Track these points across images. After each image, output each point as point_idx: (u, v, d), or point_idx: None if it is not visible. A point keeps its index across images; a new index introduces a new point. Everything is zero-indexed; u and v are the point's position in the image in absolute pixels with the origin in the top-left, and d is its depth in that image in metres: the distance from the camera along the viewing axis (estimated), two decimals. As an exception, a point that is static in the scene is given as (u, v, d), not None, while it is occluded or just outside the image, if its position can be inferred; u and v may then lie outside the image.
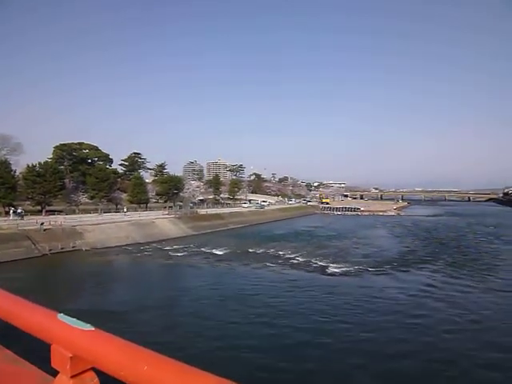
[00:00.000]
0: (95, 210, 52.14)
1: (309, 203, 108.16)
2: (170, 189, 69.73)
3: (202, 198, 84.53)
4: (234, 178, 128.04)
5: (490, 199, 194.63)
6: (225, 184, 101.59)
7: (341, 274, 26.37)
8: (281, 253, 34.05)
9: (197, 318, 16.78)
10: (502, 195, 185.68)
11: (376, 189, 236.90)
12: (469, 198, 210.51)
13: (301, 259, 31.26)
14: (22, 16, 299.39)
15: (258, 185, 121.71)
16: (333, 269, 27.77)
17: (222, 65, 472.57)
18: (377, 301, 20.14)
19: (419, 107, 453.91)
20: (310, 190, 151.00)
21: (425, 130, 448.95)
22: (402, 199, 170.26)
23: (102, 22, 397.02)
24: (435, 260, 32.72)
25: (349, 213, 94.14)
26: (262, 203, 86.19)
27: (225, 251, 34.80)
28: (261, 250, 35.38)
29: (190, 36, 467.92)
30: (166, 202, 69.51)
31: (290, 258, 31.67)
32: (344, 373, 12.08)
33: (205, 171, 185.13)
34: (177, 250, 35.22)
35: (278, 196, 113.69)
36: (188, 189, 72.32)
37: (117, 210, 57.13)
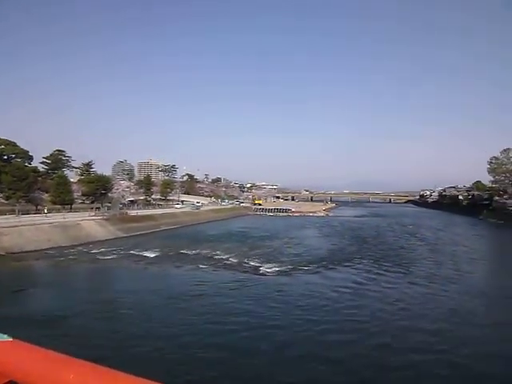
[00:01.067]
0: (12, 212, 47.83)
1: (242, 204, 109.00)
2: (98, 189, 66.23)
3: (132, 198, 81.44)
4: (167, 178, 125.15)
5: (408, 201, 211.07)
6: (156, 184, 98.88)
7: (273, 274, 26.90)
8: (214, 254, 33.88)
9: (120, 323, 16.12)
10: (418, 197, 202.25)
11: (307, 191, 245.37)
12: (390, 199, 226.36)
13: (234, 260, 31.37)
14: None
15: (190, 185, 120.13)
16: (265, 269, 28.23)
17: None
18: (307, 298, 20.91)
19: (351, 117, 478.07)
20: (243, 192, 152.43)
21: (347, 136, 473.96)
22: (331, 201, 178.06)
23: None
24: (361, 257, 35.01)
25: (280, 214, 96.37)
26: (197, 204, 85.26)
27: (156, 253, 33.78)
28: (194, 252, 34.90)
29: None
30: (92, 202, 65.88)
31: (224, 259, 31.63)
32: (272, 363, 12.35)
33: (136, 171, 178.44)
34: (105, 253, 33.48)
35: (211, 197, 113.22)
36: (117, 189, 69.31)
37: (37, 212, 52.97)
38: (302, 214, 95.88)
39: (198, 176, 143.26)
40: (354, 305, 19.95)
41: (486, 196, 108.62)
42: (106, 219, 48.03)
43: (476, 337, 15.69)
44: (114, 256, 32.52)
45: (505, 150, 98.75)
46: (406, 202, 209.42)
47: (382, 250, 40.65)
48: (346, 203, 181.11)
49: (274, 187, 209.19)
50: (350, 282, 25.02)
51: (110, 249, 35.51)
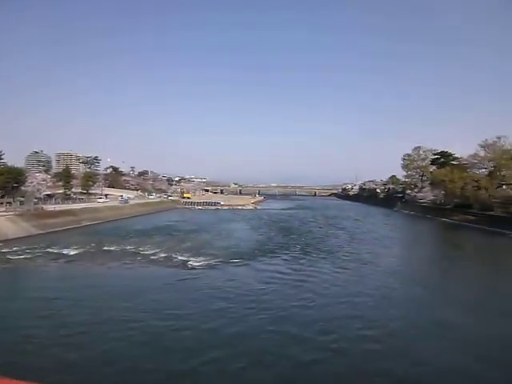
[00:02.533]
0: None
1: (170, 198, 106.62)
2: (9, 182, 60.31)
3: (49, 192, 75.41)
4: (88, 170, 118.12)
5: (332, 194, 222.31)
6: (77, 177, 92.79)
7: (202, 268, 26.77)
8: (141, 249, 32.74)
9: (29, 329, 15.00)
10: (341, 190, 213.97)
11: (236, 184, 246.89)
12: (315, 192, 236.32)
13: (162, 255, 30.61)
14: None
15: (115, 178, 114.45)
16: (194, 263, 27.99)
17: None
18: (235, 290, 21.19)
19: (269, 111, 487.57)
20: (171, 185, 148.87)
21: (279, 130, 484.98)
22: (259, 194, 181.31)
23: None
24: (288, 248, 36.71)
25: (209, 207, 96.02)
26: (127, 197, 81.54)
27: (77, 251, 31.72)
28: (119, 248, 33.42)
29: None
30: (2, 197, 59.95)
31: (151, 255, 30.72)
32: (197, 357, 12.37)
33: (53, 163, 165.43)
34: (17, 252, 30.61)
35: (137, 191, 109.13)
36: (32, 182, 63.48)
37: None
38: (231, 207, 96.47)
39: (124, 169, 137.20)
40: (279, 293, 20.75)
41: (399, 189, 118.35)
42: (18, 215, 44.06)
43: (392, 302, 19.19)
44: (29, 255, 29.86)
45: (416, 148, 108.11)
46: (329, 195, 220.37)
47: (307, 239, 43.44)
48: (273, 196, 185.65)
49: (203, 180, 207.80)
50: (276, 273, 25.93)
51: (23, 247, 32.57)
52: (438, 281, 26.95)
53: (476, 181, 74.46)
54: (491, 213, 63.92)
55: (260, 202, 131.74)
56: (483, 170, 78.73)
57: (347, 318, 17.32)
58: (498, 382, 11.83)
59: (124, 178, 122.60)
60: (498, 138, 74.33)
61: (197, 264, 27.66)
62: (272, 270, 26.80)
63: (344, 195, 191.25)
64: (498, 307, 19.73)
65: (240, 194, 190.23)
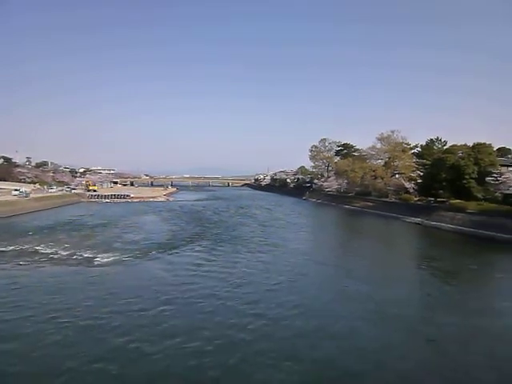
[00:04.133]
0: None
1: (74, 191, 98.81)
2: None
3: None
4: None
5: (245, 184, 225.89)
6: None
7: (109, 264, 25.40)
8: (39, 248, 29.88)
9: None
10: (253, 181, 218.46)
11: (147, 175, 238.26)
12: (229, 183, 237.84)
13: (64, 253, 28.32)
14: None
15: (7, 170, 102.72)
16: (101, 259, 26.46)
17: None
18: (148, 286, 20.52)
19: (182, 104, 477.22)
20: (75, 177, 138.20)
21: (193, 121, 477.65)
22: (172, 185, 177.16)
23: None
24: (201, 238, 36.71)
25: (119, 200, 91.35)
26: (24, 191, 73.41)
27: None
28: (12, 248, 30.08)
29: None
30: None
31: (51, 253, 28.17)
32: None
33: None
34: None
35: (35, 184, 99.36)
36: None
37: None
38: (142, 200, 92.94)
39: (18, 159, 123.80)
40: (194, 286, 20.61)
41: (308, 179, 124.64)
42: None
43: (303, 277, 20.88)
44: None
45: (322, 140, 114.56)
46: (242, 186, 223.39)
47: (220, 229, 44.15)
48: (187, 188, 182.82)
49: (112, 172, 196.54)
50: (189, 265, 25.71)
51: None
52: (338, 258, 31.45)
53: (374, 170, 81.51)
54: (387, 199, 70.69)
55: (173, 193, 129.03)
56: (380, 161, 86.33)
57: (270, 291, 20.26)
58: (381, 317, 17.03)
59: (19, 169, 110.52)
60: (392, 131, 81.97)
61: (104, 261, 26.18)
62: (186, 262, 26.54)
63: (257, 185, 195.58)
64: (384, 276, 25.55)
65: (152, 185, 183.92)
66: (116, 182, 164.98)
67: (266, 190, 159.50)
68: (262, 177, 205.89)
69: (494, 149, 59.35)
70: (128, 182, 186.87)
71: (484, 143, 55.50)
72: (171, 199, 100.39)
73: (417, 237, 45.13)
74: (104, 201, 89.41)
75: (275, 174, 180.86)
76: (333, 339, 14.37)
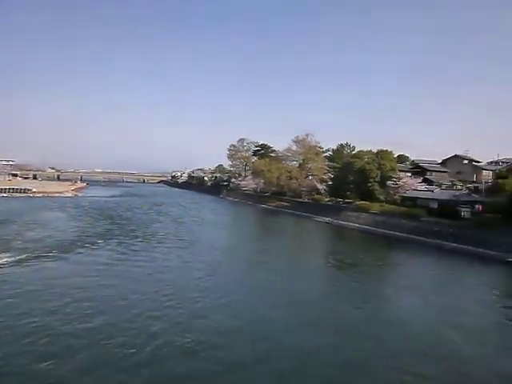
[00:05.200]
0: None
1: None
2: None
3: None
4: None
5: (161, 181, 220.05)
6: None
7: (7, 265, 22.95)
8: None
9: None
10: (170, 178, 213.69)
11: (53, 169, 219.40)
12: (144, 180, 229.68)
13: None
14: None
15: None
16: (-5, 260, 23.86)
17: None
18: (50, 289, 18.90)
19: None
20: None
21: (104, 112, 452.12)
22: (81, 180, 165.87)
23: None
24: (111, 236, 35.00)
25: (18, 194, 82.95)
26: None
27: None
28: None
29: None
30: None
31: None
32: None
33: None
34: None
35: None
36: None
37: None
38: (47, 195, 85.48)
39: None
40: (98, 287, 19.61)
41: (226, 178, 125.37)
42: None
43: (218, 270, 20.58)
44: None
45: (240, 140, 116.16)
46: (159, 182, 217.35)
47: (133, 226, 42.61)
48: (98, 183, 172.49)
49: (10, 163, 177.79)
50: (98, 264, 24.38)
51: None
52: (252, 253, 33.25)
53: (289, 171, 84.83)
54: (300, 199, 74.10)
55: (82, 188, 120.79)
56: (295, 163, 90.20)
57: (186, 287, 20.62)
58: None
59: None
60: (307, 135, 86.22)
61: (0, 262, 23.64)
62: (95, 262, 25.04)
63: (173, 183, 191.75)
64: (293, 268, 28.41)
65: (58, 179, 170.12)
66: (16, 175, 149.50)
67: (182, 188, 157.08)
68: (179, 174, 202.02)
69: (395, 156, 65.48)
70: (30, 175, 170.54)
71: (386, 150, 60.98)
72: (80, 195, 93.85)
73: (325, 235, 48.35)
74: None
75: (193, 172, 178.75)
76: (249, 325, 15.92)
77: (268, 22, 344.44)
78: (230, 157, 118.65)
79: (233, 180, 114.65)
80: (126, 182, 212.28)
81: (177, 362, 12.24)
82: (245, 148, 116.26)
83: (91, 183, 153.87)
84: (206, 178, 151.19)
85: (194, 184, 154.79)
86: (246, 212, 75.18)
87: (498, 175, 57.28)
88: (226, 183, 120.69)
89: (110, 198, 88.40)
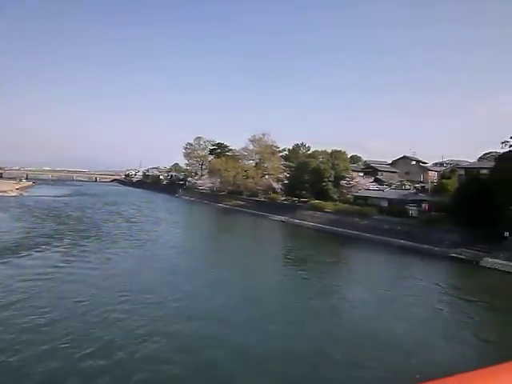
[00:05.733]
0: None
1: None
2: None
3: None
4: None
5: (115, 180, 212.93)
6: None
7: None
8: None
9: None
10: (124, 176, 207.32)
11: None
12: (96, 178, 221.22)
13: None
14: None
15: None
16: None
17: None
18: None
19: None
20: None
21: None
22: (27, 178, 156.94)
23: None
24: (60, 238, 33.46)
25: (-47, 193, 77.24)
26: None
27: None
28: None
29: None
30: None
31: None
32: None
33: None
34: None
35: None
36: None
37: None
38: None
39: None
40: (45, 291, 18.62)
41: (182, 177, 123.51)
42: None
43: (174, 267, 20.37)
44: None
45: (197, 138, 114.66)
46: (112, 181, 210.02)
47: (83, 227, 40.96)
48: (46, 181, 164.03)
49: None
50: (45, 267, 23.15)
51: None
52: (208, 251, 34.56)
53: (245, 170, 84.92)
54: (257, 198, 74.43)
55: (28, 187, 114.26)
56: (251, 162, 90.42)
57: (142, 285, 20.81)
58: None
59: None
60: (263, 134, 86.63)
61: None
62: (41, 265, 23.81)
63: (127, 182, 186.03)
64: (247, 264, 29.17)
65: (1, 178, 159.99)
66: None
67: (137, 187, 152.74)
68: (133, 172, 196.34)
69: (348, 156, 67.49)
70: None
71: (340, 150, 62.76)
72: (26, 194, 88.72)
73: (281, 233, 49.06)
74: None
75: (147, 170, 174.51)
76: (201, 320, 16.36)
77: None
78: (187, 155, 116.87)
79: (189, 179, 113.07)
80: (77, 180, 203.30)
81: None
82: (201, 147, 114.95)
83: (39, 182, 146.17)
84: (161, 177, 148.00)
85: (149, 183, 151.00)
86: (202, 211, 74.50)
87: (443, 176, 60.73)
88: (182, 182, 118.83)
89: (59, 197, 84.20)
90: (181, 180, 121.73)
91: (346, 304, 20.35)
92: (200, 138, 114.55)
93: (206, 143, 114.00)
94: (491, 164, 40.90)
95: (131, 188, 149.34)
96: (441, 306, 20.75)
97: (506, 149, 36.53)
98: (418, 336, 16.04)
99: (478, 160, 59.48)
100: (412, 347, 14.77)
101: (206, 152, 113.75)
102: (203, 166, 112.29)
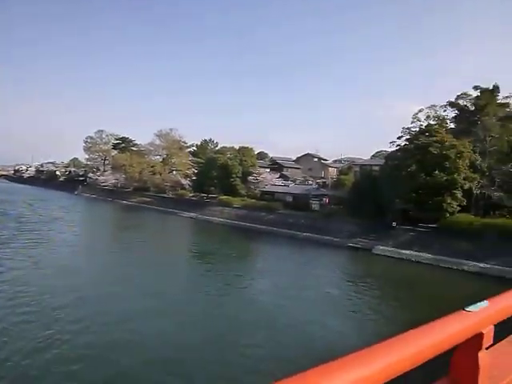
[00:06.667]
0: None
1: None
2: None
3: None
4: None
5: (1, 176, 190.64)
6: None
7: None
8: None
9: None
10: (13, 172, 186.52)
11: None
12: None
13: None
14: None
15: None
16: None
17: None
18: None
19: None
20: None
21: None
22: None
23: None
24: None
25: None
26: None
27: None
28: None
29: None
30: None
31: None
32: None
33: None
34: None
35: None
36: None
37: None
38: None
39: None
40: None
41: (82, 172, 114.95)
42: None
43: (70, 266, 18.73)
44: None
45: (99, 131, 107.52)
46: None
47: None
48: None
49: None
50: None
51: None
52: (108, 249, 32.89)
53: (152, 166, 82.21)
54: (164, 195, 72.60)
55: None
56: (158, 157, 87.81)
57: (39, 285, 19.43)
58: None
59: None
60: (171, 129, 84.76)
61: None
62: None
63: (17, 178, 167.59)
64: (151, 261, 28.18)
65: None
66: None
67: (29, 183, 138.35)
68: (24, 168, 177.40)
69: (256, 152, 69.25)
70: None
71: (247, 147, 64.05)
72: None
73: (189, 230, 48.74)
74: None
75: (41, 166, 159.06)
76: (109, 315, 15.94)
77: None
78: (87, 149, 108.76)
79: (90, 175, 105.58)
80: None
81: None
82: (103, 140, 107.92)
83: None
84: (58, 173, 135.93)
85: (44, 179, 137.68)
86: (105, 209, 70.24)
87: (341, 172, 65.67)
88: (82, 178, 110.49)
89: None
90: (81, 176, 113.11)
91: (247, 293, 21.34)
92: (102, 131, 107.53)
93: (109, 137, 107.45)
94: (382, 161, 45.37)
95: (22, 185, 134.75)
96: (332, 289, 23.05)
97: (393, 148, 40.75)
98: (310, 315, 17.75)
99: (371, 158, 65.54)
100: (304, 325, 16.26)
101: (109, 146, 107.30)
102: (106, 162, 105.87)
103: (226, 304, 18.98)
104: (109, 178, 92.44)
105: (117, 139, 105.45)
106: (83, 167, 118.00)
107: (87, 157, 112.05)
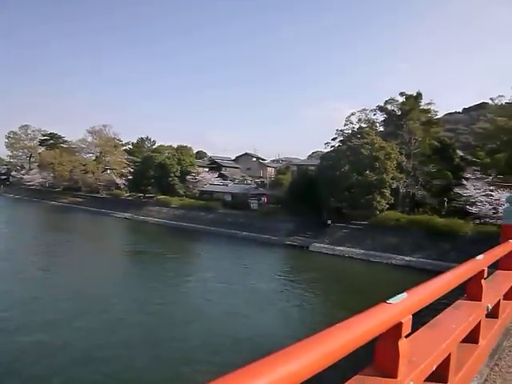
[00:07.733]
0: None
1: None
2: None
3: None
4: None
5: None
6: None
7: None
8: None
9: None
10: None
11: None
12: None
13: None
14: None
15: None
16: None
17: None
18: None
19: None
20: None
21: None
22: None
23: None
24: None
25: None
26: None
27: None
28: None
29: None
30: None
31: None
32: None
33: None
34: None
35: None
36: None
37: None
38: None
39: None
40: None
41: (4, 171, 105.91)
42: None
43: None
44: None
45: (23, 126, 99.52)
46: None
47: None
48: None
49: None
50: None
51: None
52: (28, 251, 31.26)
53: (84, 165, 77.75)
54: (97, 195, 69.18)
55: None
56: (91, 155, 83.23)
57: None
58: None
59: None
60: (104, 126, 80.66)
61: None
62: None
63: None
64: (83, 264, 27.32)
65: None
66: None
67: None
68: None
69: (194, 151, 68.36)
70: None
71: (186, 146, 63.13)
72: None
73: (124, 230, 47.05)
74: None
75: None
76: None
77: None
78: (10, 146, 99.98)
79: (14, 173, 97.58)
80: None
81: None
82: (29, 136, 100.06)
83: None
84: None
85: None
86: (31, 210, 65.21)
87: (279, 171, 67.00)
88: (4, 177, 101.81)
89: None
90: (3, 175, 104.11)
91: (178, 290, 21.74)
92: (27, 126, 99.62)
93: (36, 133, 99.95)
94: (317, 162, 47.00)
95: None
96: (264, 283, 23.98)
97: (328, 149, 42.41)
98: (239, 309, 18.57)
99: (308, 158, 67.62)
100: (231, 317, 17.30)
101: (36, 143, 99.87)
102: (32, 159, 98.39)
103: (156, 302, 19.09)
104: (35, 177, 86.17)
105: (44, 135, 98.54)
106: (5, 165, 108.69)
107: (10, 154, 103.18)
